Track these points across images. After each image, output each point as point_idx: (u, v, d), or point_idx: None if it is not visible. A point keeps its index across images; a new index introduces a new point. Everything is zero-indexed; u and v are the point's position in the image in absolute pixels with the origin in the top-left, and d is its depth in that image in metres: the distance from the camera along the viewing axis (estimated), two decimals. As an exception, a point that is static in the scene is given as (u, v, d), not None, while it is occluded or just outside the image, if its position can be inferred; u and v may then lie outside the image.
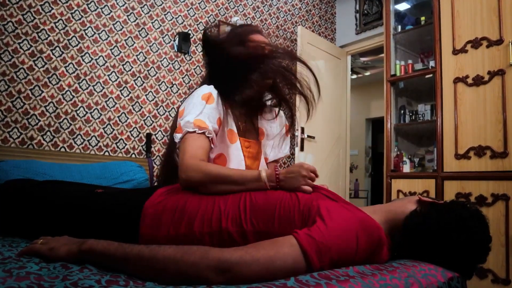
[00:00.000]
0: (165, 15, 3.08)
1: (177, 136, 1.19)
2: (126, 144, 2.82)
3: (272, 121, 1.51)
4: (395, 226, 0.96)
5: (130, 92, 2.85)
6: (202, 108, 1.20)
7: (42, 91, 2.46)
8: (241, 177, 1.04)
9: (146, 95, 2.93)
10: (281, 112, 1.57)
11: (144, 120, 2.91)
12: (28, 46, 2.42)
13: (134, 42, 2.90)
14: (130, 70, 2.86)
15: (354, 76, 6.96)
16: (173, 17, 3.12)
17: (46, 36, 2.49)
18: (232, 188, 1.03)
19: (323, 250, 0.77)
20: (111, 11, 2.79)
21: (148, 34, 2.97)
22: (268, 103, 1.54)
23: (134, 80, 2.88)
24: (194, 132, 1.15)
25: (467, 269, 0.94)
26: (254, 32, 1.38)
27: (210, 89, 1.26)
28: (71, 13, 2.60)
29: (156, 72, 3.00)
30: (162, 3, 3.06)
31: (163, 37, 3.06)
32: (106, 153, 2.71)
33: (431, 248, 0.92)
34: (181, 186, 1.08)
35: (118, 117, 2.79)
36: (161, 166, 1.45)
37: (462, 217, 0.91)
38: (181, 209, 0.96)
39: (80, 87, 2.63)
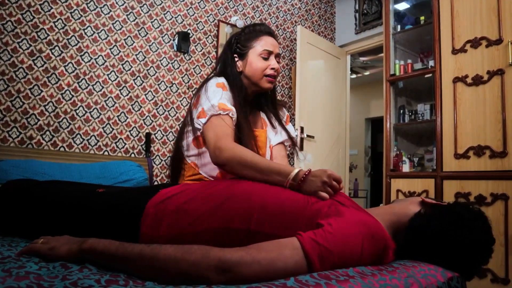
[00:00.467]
0: (164, 14, 3.07)
1: (201, 121, 1.25)
2: (125, 144, 2.81)
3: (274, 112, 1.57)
4: (399, 228, 0.96)
5: (129, 92, 2.85)
6: (221, 94, 1.27)
7: (42, 91, 2.46)
8: (268, 168, 1.06)
9: (145, 95, 2.93)
10: (284, 108, 1.63)
11: (143, 120, 2.91)
12: (28, 45, 2.42)
13: (134, 42, 2.90)
14: (129, 69, 2.86)
15: (354, 76, 6.96)
16: (172, 17, 3.12)
17: (46, 35, 2.49)
18: (256, 175, 1.06)
19: (326, 255, 0.77)
20: (110, 11, 2.79)
21: (147, 33, 2.97)
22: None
23: (134, 80, 2.88)
24: (219, 114, 1.22)
25: (470, 270, 0.94)
26: (266, 33, 1.44)
27: (222, 80, 1.34)
28: (71, 13, 2.60)
29: (156, 72, 3.00)
30: (162, 2, 3.06)
31: (162, 37, 3.05)
32: (106, 153, 2.71)
33: (435, 249, 0.92)
34: (214, 164, 1.18)
35: (118, 116, 2.79)
36: (171, 160, 1.48)
37: (465, 218, 0.91)
38: (183, 208, 0.96)
39: (80, 86, 2.62)
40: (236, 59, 1.42)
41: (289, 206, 0.92)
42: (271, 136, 1.52)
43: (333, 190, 0.99)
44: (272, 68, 1.39)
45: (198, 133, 1.30)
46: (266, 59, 1.39)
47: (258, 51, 1.39)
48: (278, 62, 1.43)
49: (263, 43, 1.40)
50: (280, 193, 0.97)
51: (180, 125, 1.57)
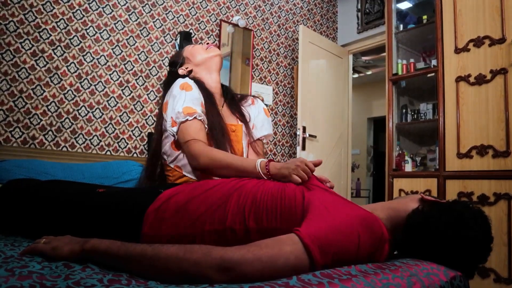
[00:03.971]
0: (166, 14, 3.08)
1: (173, 130, 1.29)
2: (127, 143, 2.82)
3: (249, 106, 1.61)
4: (397, 224, 0.96)
5: (131, 92, 2.86)
6: (184, 96, 1.30)
7: (44, 91, 2.47)
8: (242, 166, 1.15)
9: (147, 94, 2.94)
10: (257, 99, 1.68)
11: (145, 119, 2.91)
12: (30, 45, 2.42)
13: (136, 41, 2.90)
14: (131, 69, 2.87)
15: (356, 75, 6.95)
16: (174, 16, 3.12)
17: (48, 35, 2.50)
18: (232, 174, 1.15)
19: (325, 247, 0.77)
20: (112, 10, 2.79)
21: (149, 33, 2.97)
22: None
23: (136, 80, 2.89)
24: (187, 120, 1.26)
25: (468, 268, 0.94)
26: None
27: (185, 80, 1.37)
28: (73, 13, 2.61)
29: (158, 71, 3.00)
30: (164, 2, 3.06)
31: (164, 36, 3.06)
32: (108, 153, 2.72)
33: (433, 246, 0.92)
34: (192, 169, 1.24)
35: (120, 116, 2.79)
36: (148, 159, 1.56)
37: (464, 216, 0.91)
38: (184, 209, 0.96)
39: (82, 86, 2.63)
40: (181, 70, 1.53)
41: (281, 199, 0.94)
42: (247, 131, 1.55)
43: (305, 173, 1.06)
44: (207, 43, 1.53)
45: (174, 139, 1.35)
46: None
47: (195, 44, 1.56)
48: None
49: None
50: (270, 189, 0.99)
51: (154, 129, 1.66)
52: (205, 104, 1.37)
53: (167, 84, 1.50)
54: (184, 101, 1.28)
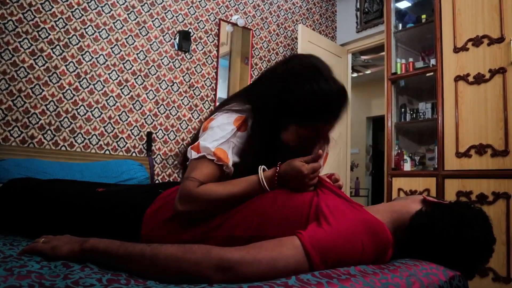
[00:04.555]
0: (165, 13, 3.07)
1: (192, 154, 1.02)
2: (126, 143, 2.81)
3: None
4: (399, 225, 0.96)
5: (130, 91, 2.85)
6: (230, 135, 1.03)
7: (43, 90, 2.46)
8: (244, 192, 0.96)
9: (146, 94, 2.93)
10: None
11: (144, 119, 2.91)
12: (29, 44, 2.42)
13: (135, 41, 2.90)
14: (130, 68, 2.86)
15: (355, 75, 6.95)
16: (173, 16, 3.12)
17: (47, 34, 2.49)
18: (235, 203, 0.96)
19: (326, 253, 0.77)
20: (111, 10, 2.79)
21: (148, 32, 2.97)
22: None
23: (135, 79, 2.88)
24: (212, 161, 1.00)
25: (470, 269, 0.94)
26: (333, 118, 1.05)
27: (244, 115, 1.08)
28: (72, 12, 2.60)
29: (157, 71, 3.00)
30: (163, 1, 3.06)
31: (163, 36, 3.05)
32: (107, 152, 2.71)
33: (436, 247, 0.92)
34: (177, 211, 0.96)
35: (119, 115, 2.79)
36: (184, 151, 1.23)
37: (467, 217, 0.91)
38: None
39: (81, 85, 2.62)
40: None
41: (287, 207, 0.91)
42: None
43: (314, 180, 0.97)
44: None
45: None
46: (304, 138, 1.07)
47: (306, 126, 1.03)
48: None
49: (319, 128, 1.05)
50: (274, 196, 0.96)
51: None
52: (247, 153, 1.08)
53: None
54: (226, 141, 1.03)
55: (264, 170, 1.00)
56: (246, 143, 1.06)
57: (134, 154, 2.84)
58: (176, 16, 3.14)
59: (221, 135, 1.02)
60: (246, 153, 1.06)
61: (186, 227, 0.94)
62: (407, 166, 3.13)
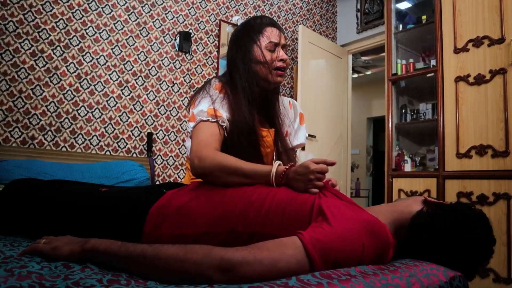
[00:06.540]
0: (166, 14, 3.08)
1: (190, 125, 1.19)
2: (127, 144, 2.82)
3: (286, 111, 1.47)
4: (401, 226, 0.96)
5: (131, 92, 2.86)
6: (216, 97, 1.21)
7: (43, 91, 2.46)
8: (253, 171, 1.03)
9: (147, 94, 2.94)
10: (295, 102, 1.55)
11: (145, 120, 2.91)
12: (29, 45, 2.42)
13: (135, 41, 2.90)
14: (131, 69, 2.87)
15: (355, 75, 6.95)
16: (174, 16, 3.12)
17: (47, 35, 2.50)
18: (242, 180, 1.03)
19: (327, 253, 0.77)
20: (112, 10, 2.79)
21: (149, 33, 2.97)
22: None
23: (135, 80, 2.88)
24: (208, 120, 1.16)
25: (470, 269, 0.94)
26: (269, 25, 1.33)
27: (222, 81, 1.28)
28: (72, 13, 2.61)
29: (157, 71, 3.00)
30: (163, 2, 3.06)
31: (164, 36, 3.05)
32: (107, 153, 2.72)
33: (437, 247, 0.92)
34: (193, 174, 1.09)
35: (119, 116, 2.79)
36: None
37: (468, 218, 0.91)
38: (187, 209, 0.96)
39: (81, 86, 2.63)
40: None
41: (288, 205, 0.92)
42: (280, 137, 1.41)
43: (320, 180, 0.99)
44: (281, 60, 1.30)
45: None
46: (272, 51, 1.29)
47: (263, 44, 1.29)
48: (286, 54, 1.34)
49: (267, 35, 1.29)
50: (276, 194, 0.97)
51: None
52: (238, 109, 1.24)
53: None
54: (215, 101, 1.19)
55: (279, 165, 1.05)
56: (232, 99, 1.23)
57: (134, 155, 2.84)
58: (177, 17, 3.14)
59: (208, 100, 1.20)
60: (233, 106, 1.22)
61: (188, 224, 0.94)
62: (407, 167, 3.13)
